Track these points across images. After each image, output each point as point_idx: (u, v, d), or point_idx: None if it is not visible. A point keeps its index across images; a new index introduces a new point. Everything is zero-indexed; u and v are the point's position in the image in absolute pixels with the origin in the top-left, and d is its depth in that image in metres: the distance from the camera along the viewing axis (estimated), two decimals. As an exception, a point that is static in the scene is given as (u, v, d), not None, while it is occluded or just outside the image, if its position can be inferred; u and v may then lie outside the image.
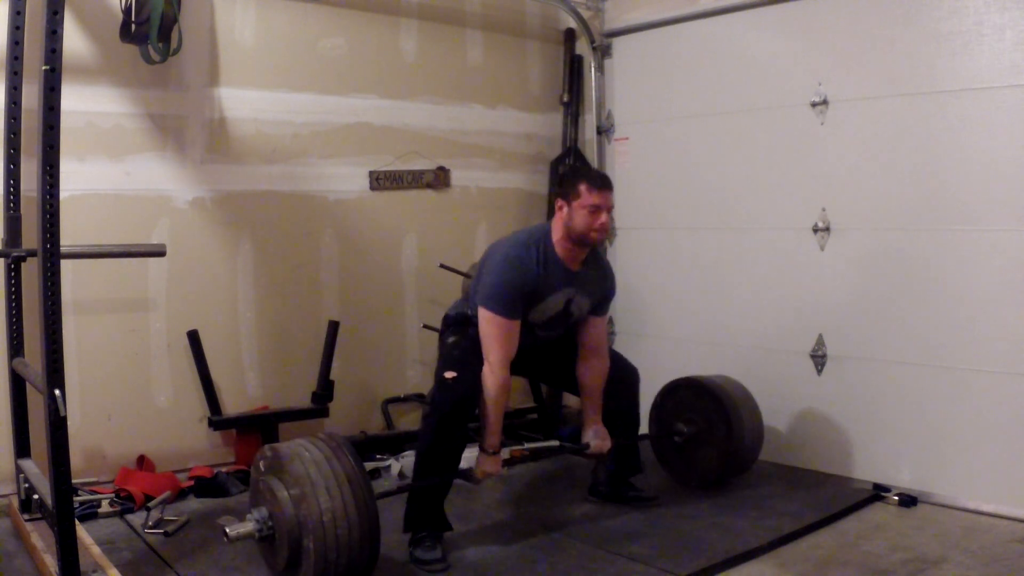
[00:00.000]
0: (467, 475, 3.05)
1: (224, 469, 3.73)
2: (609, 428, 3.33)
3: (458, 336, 3.12)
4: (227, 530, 2.55)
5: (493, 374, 2.94)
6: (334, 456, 2.59)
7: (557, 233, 3.07)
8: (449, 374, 3.00)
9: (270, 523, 2.57)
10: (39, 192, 2.35)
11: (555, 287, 3.05)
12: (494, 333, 2.94)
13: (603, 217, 2.99)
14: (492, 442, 3.01)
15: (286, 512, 2.50)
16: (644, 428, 3.68)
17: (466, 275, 4.17)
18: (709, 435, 3.63)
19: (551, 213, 4.59)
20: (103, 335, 3.58)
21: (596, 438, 3.26)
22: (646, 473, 3.60)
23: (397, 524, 3.12)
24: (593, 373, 3.27)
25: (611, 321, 4.66)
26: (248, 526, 2.57)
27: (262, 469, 2.67)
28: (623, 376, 3.40)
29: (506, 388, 2.97)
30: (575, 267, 3.10)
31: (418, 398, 4.38)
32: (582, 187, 3.00)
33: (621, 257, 4.71)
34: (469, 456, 3.10)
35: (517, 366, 3.11)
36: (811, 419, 3.90)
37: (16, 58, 3.00)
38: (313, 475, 2.51)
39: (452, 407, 2.98)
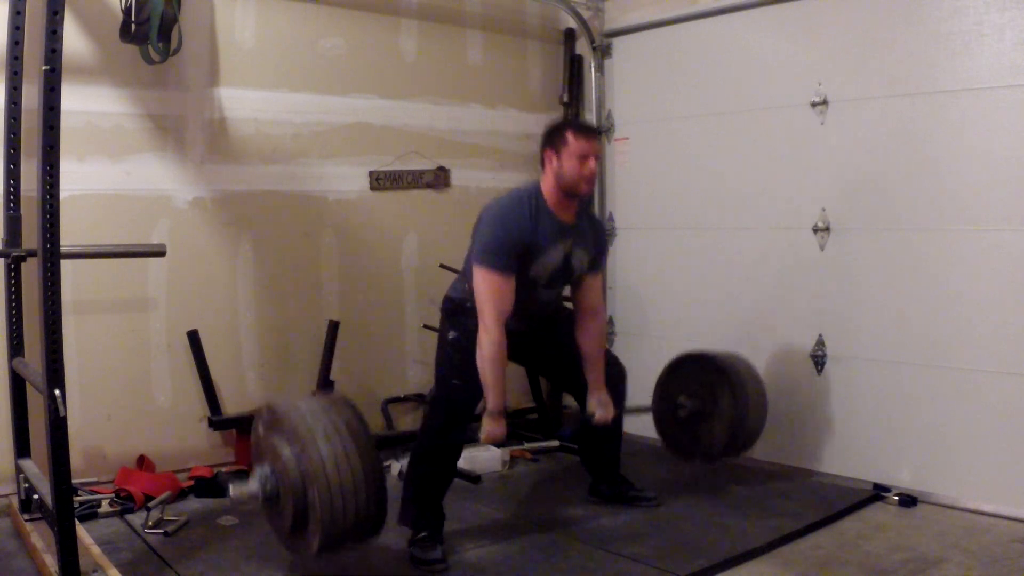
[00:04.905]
0: (474, 440, 2.99)
1: (224, 469, 3.73)
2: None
3: (459, 332, 3.07)
4: (230, 487, 2.51)
5: (488, 333, 2.84)
6: (331, 407, 2.55)
7: (547, 185, 3.02)
8: (457, 383, 3.00)
9: (273, 479, 2.50)
10: (39, 192, 2.35)
11: (551, 239, 3.00)
12: (488, 290, 2.86)
13: (591, 164, 2.95)
14: (495, 403, 2.87)
15: (287, 465, 2.43)
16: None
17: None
18: (713, 408, 3.59)
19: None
20: (103, 335, 3.58)
21: (600, 407, 3.18)
22: (646, 470, 3.60)
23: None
24: (592, 336, 3.21)
25: (611, 321, 4.66)
26: (252, 485, 2.51)
27: (261, 431, 2.60)
28: (610, 372, 3.33)
29: (502, 347, 2.86)
30: (568, 220, 3.05)
31: (418, 398, 4.38)
32: (569, 135, 2.96)
33: (621, 257, 4.71)
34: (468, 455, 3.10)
35: (519, 352, 3.08)
36: (811, 419, 3.89)
37: (16, 58, 3.00)
38: (312, 424, 2.45)
39: (450, 417, 3.02)
